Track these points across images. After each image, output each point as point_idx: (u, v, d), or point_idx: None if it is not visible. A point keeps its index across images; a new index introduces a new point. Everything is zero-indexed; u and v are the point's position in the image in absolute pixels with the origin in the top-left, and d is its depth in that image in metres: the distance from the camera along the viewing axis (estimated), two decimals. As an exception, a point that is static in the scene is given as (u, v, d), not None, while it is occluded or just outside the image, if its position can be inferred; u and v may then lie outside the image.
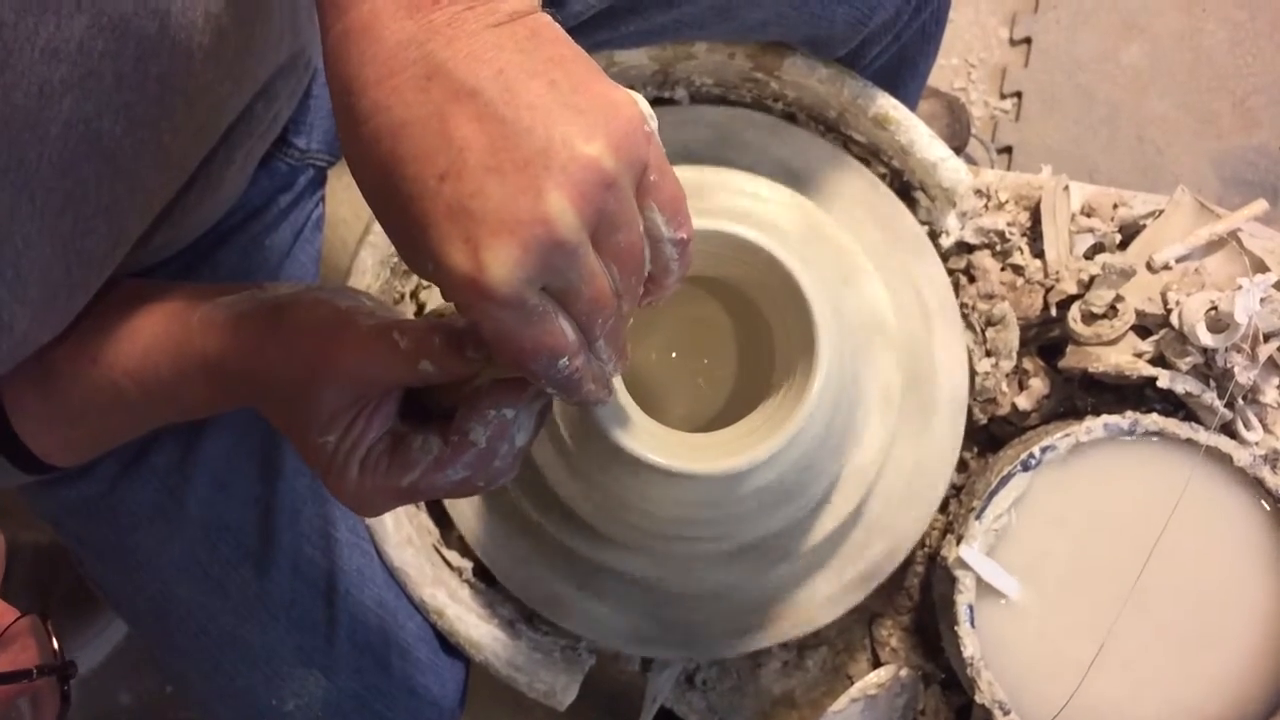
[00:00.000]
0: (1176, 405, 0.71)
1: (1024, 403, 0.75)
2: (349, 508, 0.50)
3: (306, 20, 0.60)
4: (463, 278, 0.38)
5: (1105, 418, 0.69)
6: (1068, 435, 0.69)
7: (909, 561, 0.77)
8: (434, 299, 0.79)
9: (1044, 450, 0.69)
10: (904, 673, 0.76)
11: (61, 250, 0.46)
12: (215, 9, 0.45)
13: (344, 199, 1.16)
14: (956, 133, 1.31)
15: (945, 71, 1.42)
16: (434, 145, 0.38)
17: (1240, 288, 0.67)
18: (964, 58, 1.42)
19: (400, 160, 0.39)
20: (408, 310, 0.79)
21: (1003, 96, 1.41)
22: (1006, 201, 0.78)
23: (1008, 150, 1.38)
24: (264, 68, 0.54)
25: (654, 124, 0.43)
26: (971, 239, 0.76)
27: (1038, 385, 0.75)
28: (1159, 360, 0.70)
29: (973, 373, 0.75)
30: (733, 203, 0.68)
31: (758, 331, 0.63)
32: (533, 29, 0.40)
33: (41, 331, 0.49)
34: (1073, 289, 0.73)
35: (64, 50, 0.41)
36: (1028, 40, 1.41)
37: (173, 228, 0.58)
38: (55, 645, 0.37)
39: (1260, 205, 0.74)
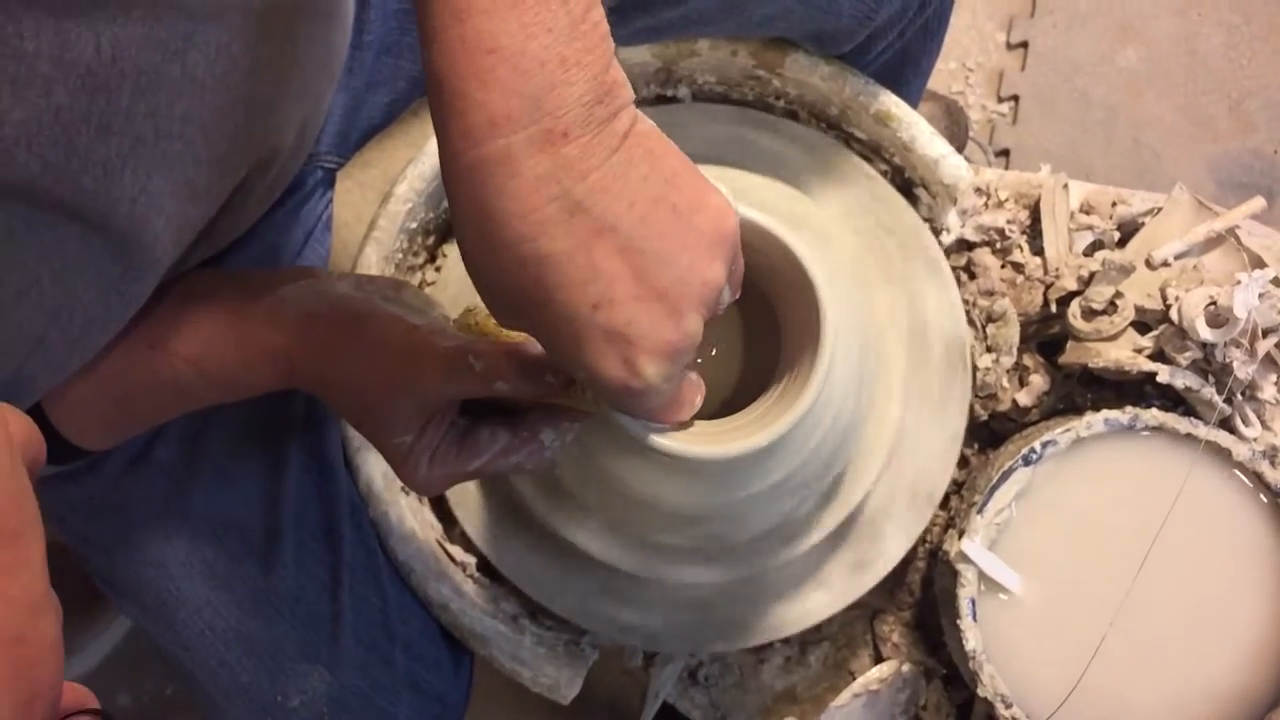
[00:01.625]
0: (1176, 400, 0.72)
1: (1024, 399, 0.75)
2: (413, 490, 0.57)
3: (333, 47, 0.61)
4: (621, 387, 0.46)
5: (1105, 413, 0.69)
6: (1068, 430, 0.69)
7: (910, 557, 0.77)
8: (438, 294, 0.79)
9: (1045, 445, 0.69)
10: (906, 668, 0.76)
11: (106, 290, 0.48)
12: (225, 39, 0.47)
13: (346, 201, 1.16)
14: (954, 135, 1.31)
15: (943, 75, 1.42)
16: (584, 276, 0.43)
17: (1239, 283, 0.67)
18: (961, 61, 1.43)
19: (549, 287, 0.43)
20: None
21: (1000, 100, 1.41)
22: (1006, 199, 0.78)
23: (1005, 153, 1.39)
24: (290, 96, 0.55)
25: (738, 214, 0.49)
26: (972, 236, 0.77)
27: (1038, 381, 0.75)
28: (1158, 356, 0.71)
29: (974, 369, 0.75)
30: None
31: (764, 319, 0.64)
32: (646, 148, 0.45)
33: (74, 361, 0.51)
34: (1072, 285, 0.73)
35: (115, 124, 0.43)
36: (1024, 44, 1.41)
37: (205, 249, 0.60)
38: None
39: (1258, 203, 0.75)
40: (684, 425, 0.55)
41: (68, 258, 0.45)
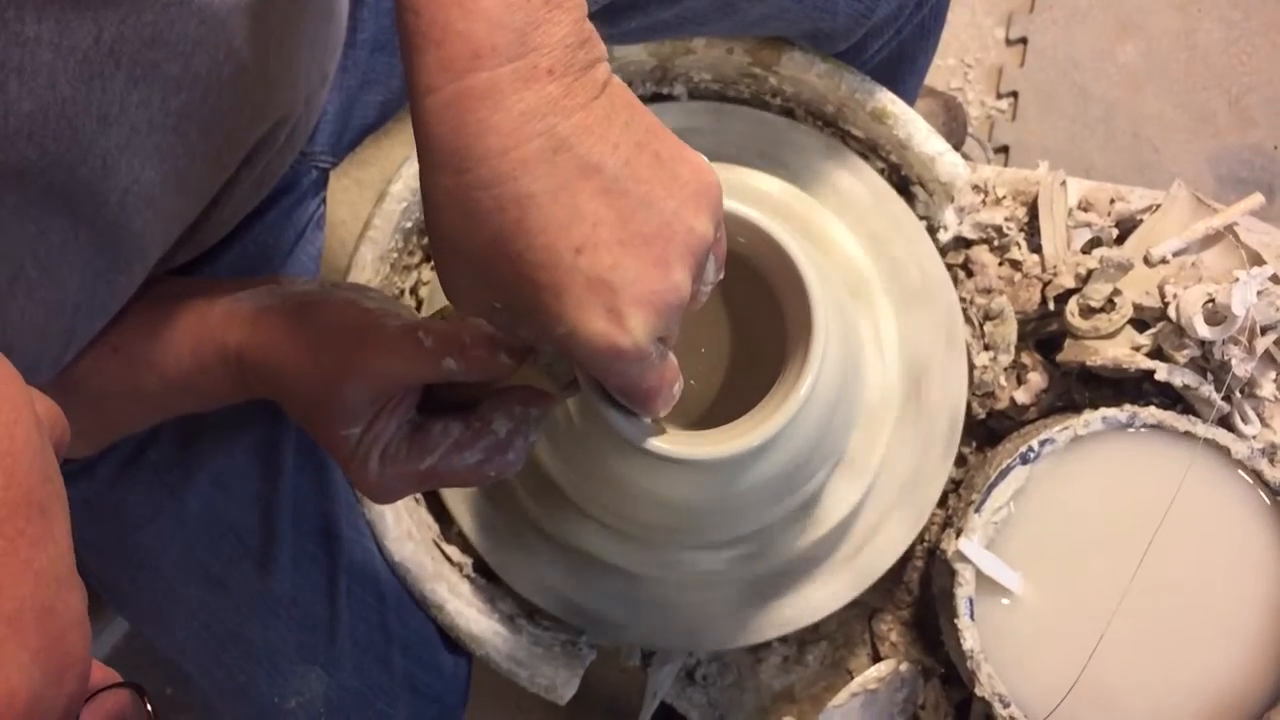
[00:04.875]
0: (1174, 398, 0.72)
1: (1022, 397, 0.75)
2: (368, 496, 0.53)
3: (328, 46, 0.61)
4: (607, 343, 0.43)
5: (1103, 411, 0.69)
6: (1066, 428, 0.69)
7: (908, 556, 0.77)
8: (433, 297, 0.79)
9: (1043, 443, 0.69)
10: (904, 667, 0.76)
11: (93, 280, 0.48)
12: (237, 43, 0.46)
13: (342, 199, 1.16)
14: (953, 132, 1.31)
15: (941, 71, 1.42)
16: (567, 218, 0.41)
17: (1237, 280, 0.67)
18: (960, 58, 1.43)
19: (529, 230, 0.41)
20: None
21: (999, 96, 1.41)
22: (1004, 196, 0.78)
23: (1004, 150, 1.39)
24: (285, 94, 0.55)
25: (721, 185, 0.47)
26: (969, 234, 0.77)
27: (1036, 379, 0.75)
28: (1157, 353, 0.71)
29: (971, 367, 0.75)
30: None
31: (751, 320, 0.63)
32: (625, 99, 0.44)
33: (68, 353, 0.51)
34: (1070, 283, 0.73)
35: (112, 114, 0.43)
36: (1023, 40, 1.41)
37: (193, 246, 0.60)
38: (150, 709, 0.38)
39: (1256, 199, 0.75)
40: (658, 427, 0.54)
41: (50, 246, 0.44)
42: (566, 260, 0.41)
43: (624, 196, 0.42)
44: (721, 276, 0.50)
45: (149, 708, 0.38)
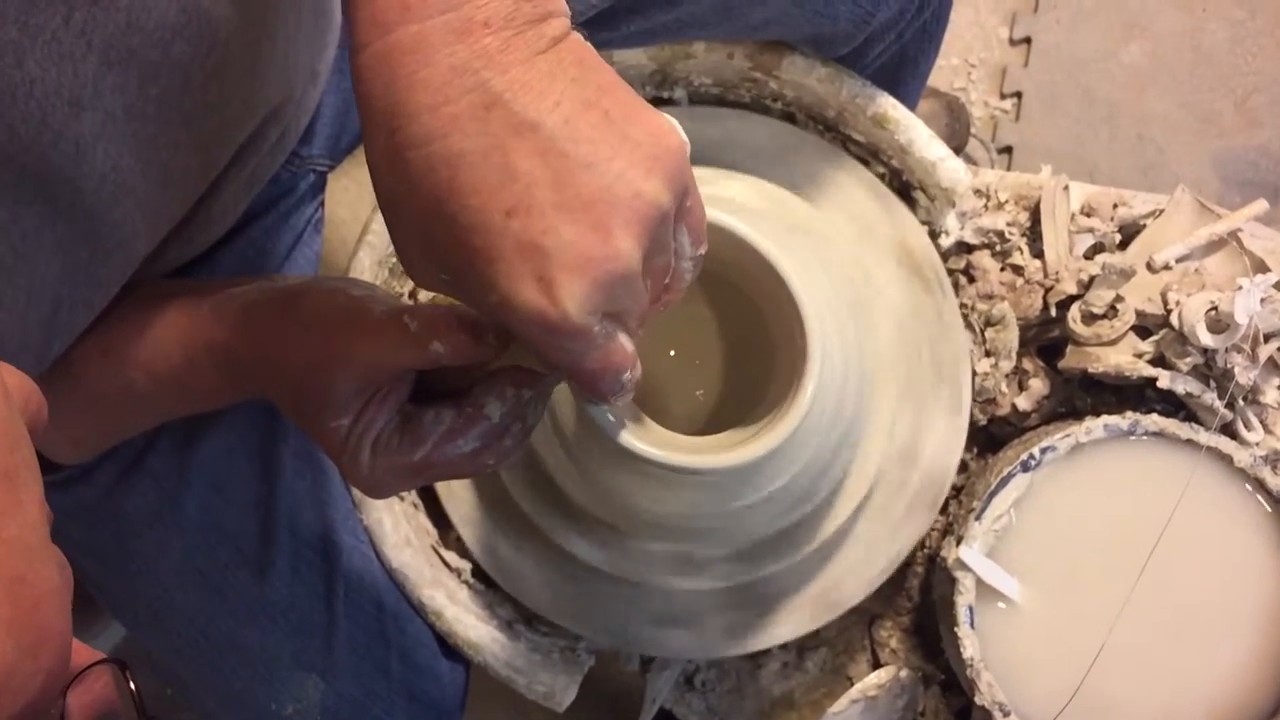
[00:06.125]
0: (1177, 406, 0.71)
1: (1024, 403, 0.74)
2: (362, 490, 0.51)
3: (320, 42, 0.61)
4: (535, 313, 0.40)
5: (1105, 418, 0.69)
6: (1068, 436, 0.68)
7: (909, 563, 0.77)
8: (431, 302, 0.79)
9: (1044, 451, 0.68)
10: (904, 674, 0.76)
11: (73, 270, 0.47)
12: (223, 34, 0.46)
13: (342, 200, 1.16)
14: (956, 133, 1.31)
15: (945, 72, 1.42)
16: (498, 179, 0.39)
17: (1240, 288, 0.67)
18: (964, 58, 1.42)
19: (460, 191, 0.39)
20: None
21: (1003, 96, 1.40)
22: (1006, 201, 0.78)
23: (1008, 150, 1.38)
24: (274, 89, 0.55)
25: (688, 149, 0.44)
26: (971, 239, 0.76)
27: (1037, 386, 0.74)
28: (1159, 361, 0.70)
29: (973, 373, 0.75)
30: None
31: (748, 329, 0.63)
32: (579, 56, 0.41)
33: (54, 345, 0.50)
34: (1072, 289, 0.73)
35: (84, 98, 0.42)
36: (1028, 40, 1.40)
37: (185, 245, 0.59)
38: (133, 688, 0.37)
39: (1260, 205, 0.74)
40: (641, 421, 0.53)
41: (25, 232, 0.43)
42: (497, 223, 0.39)
43: (562, 157, 0.39)
44: (703, 251, 0.47)
45: (132, 685, 0.38)
